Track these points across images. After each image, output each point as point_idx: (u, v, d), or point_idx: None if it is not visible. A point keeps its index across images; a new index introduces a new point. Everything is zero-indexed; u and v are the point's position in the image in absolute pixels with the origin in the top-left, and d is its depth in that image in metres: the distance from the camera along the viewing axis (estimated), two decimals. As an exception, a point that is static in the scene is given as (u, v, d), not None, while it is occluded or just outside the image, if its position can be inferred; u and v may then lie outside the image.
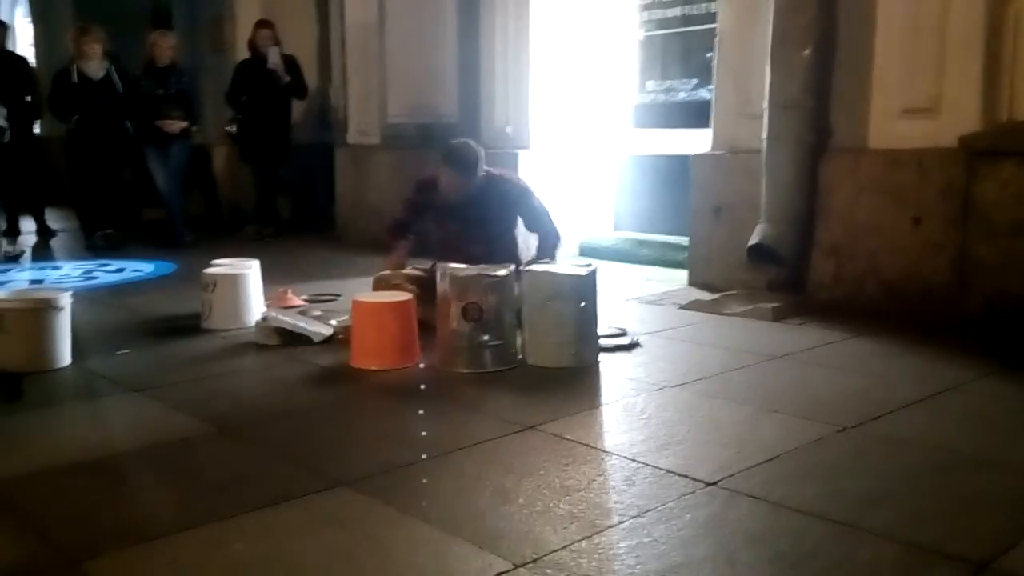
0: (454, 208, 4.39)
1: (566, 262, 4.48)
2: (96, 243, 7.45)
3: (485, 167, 4.41)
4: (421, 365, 3.71)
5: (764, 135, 4.85)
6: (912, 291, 4.48)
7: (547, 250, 4.39)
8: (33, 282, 6.07)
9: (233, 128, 8.21)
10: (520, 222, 4.57)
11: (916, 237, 4.46)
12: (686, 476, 2.52)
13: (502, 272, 3.70)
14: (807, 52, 4.67)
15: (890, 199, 4.55)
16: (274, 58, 7.82)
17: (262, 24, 8.03)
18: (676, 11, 6.38)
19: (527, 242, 4.70)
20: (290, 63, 7.97)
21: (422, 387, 3.47)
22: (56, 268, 6.72)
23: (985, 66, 4.20)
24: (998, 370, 3.61)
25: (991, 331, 4.10)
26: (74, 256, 7.21)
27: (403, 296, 3.91)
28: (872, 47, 4.60)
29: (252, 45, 8.00)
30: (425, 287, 4.17)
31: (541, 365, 3.67)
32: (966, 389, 3.39)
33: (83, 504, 2.42)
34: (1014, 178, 4.10)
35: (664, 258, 6.16)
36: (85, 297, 5.03)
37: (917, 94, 4.46)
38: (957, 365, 3.68)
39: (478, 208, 4.36)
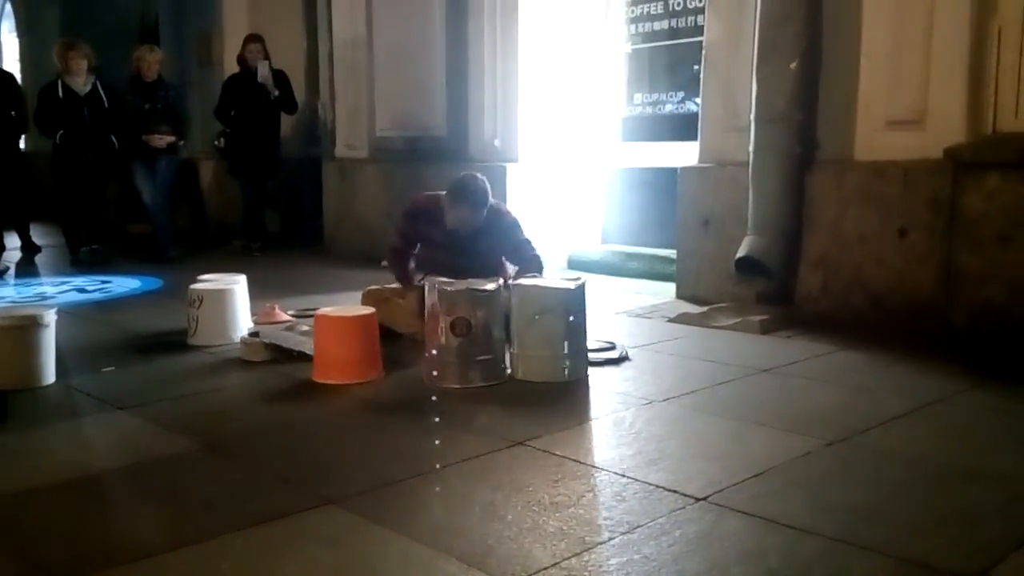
0: (445, 238, 4.35)
1: (554, 276, 4.46)
2: (82, 259, 7.41)
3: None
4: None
5: (751, 147, 4.87)
6: (898, 303, 4.50)
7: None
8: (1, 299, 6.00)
9: (221, 143, 8.20)
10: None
11: (902, 249, 4.49)
12: (676, 491, 2.51)
13: (490, 287, 3.70)
14: (793, 65, 4.70)
15: (876, 211, 4.57)
16: (264, 72, 7.82)
17: (252, 38, 8.03)
18: (663, 24, 6.42)
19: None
20: (280, 77, 7.97)
21: (411, 403, 3.46)
22: (38, 284, 6.67)
23: (970, 78, 4.24)
24: (984, 381, 3.63)
25: (977, 342, 4.12)
26: (59, 272, 7.16)
27: (365, 311, 3.88)
28: (858, 60, 4.64)
29: (242, 59, 7.99)
30: (416, 302, 4.15)
31: (530, 380, 3.66)
32: (953, 401, 3.40)
33: (68, 524, 2.39)
34: (999, 190, 4.13)
35: (652, 271, 6.17)
36: (70, 313, 5.00)
37: (902, 106, 4.49)
38: (944, 377, 3.69)
39: (470, 240, 4.32)
